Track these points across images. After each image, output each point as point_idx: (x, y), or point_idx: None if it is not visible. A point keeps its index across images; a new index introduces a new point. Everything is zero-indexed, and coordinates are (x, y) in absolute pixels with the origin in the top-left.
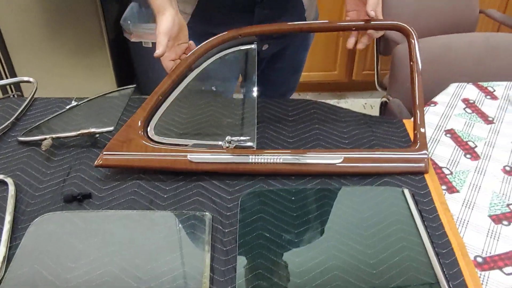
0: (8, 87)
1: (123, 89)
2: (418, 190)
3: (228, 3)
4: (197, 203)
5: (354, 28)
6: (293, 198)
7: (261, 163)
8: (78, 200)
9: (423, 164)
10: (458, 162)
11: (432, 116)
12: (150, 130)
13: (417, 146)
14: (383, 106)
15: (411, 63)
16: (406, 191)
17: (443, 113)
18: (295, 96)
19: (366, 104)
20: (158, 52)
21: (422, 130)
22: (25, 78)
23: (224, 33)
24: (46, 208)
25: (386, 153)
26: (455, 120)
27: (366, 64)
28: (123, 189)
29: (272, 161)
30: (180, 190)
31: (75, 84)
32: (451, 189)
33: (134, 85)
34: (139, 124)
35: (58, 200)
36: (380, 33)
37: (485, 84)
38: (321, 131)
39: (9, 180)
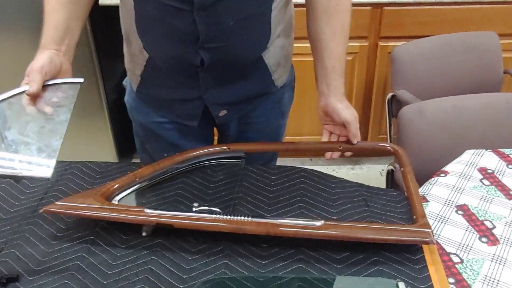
0: None
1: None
2: (418, 283)
3: (171, 67)
4: None
5: (340, 147)
6: None
7: (225, 219)
8: (1, 284)
9: (428, 238)
10: (471, 247)
11: (441, 189)
12: (114, 201)
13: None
14: (390, 174)
15: (402, 168)
16: (402, 286)
17: (455, 185)
18: (307, 160)
19: (383, 171)
20: (31, 90)
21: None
22: None
23: (214, 145)
24: None
25: (378, 225)
26: (469, 194)
27: (382, 127)
28: (58, 272)
29: (238, 218)
30: (124, 275)
31: (71, 148)
32: (461, 283)
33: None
34: (105, 191)
35: None
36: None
37: (507, 151)
38: (306, 203)
39: None
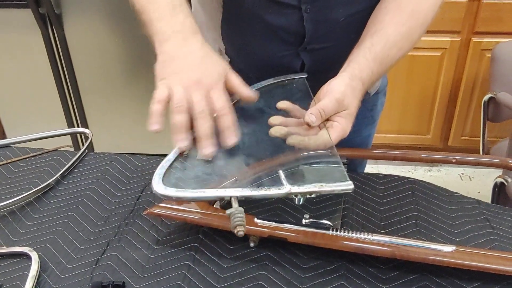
0: (80, 139)
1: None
2: None
3: (261, 74)
4: None
5: (454, 159)
6: None
7: (345, 237)
8: None
9: None
10: None
11: None
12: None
13: None
14: (497, 188)
15: None
16: None
17: None
18: (380, 160)
19: (463, 175)
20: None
21: None
22: (80, 129)
23: None
24: None
25: None
26: None
27: (466, 129)
28: (164, 281)
29: (359, 237)
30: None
31: (143, 137)
32: None
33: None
34: None
35: (86, 287)
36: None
37: None
38: (421, 220)
39: (33, 255)
